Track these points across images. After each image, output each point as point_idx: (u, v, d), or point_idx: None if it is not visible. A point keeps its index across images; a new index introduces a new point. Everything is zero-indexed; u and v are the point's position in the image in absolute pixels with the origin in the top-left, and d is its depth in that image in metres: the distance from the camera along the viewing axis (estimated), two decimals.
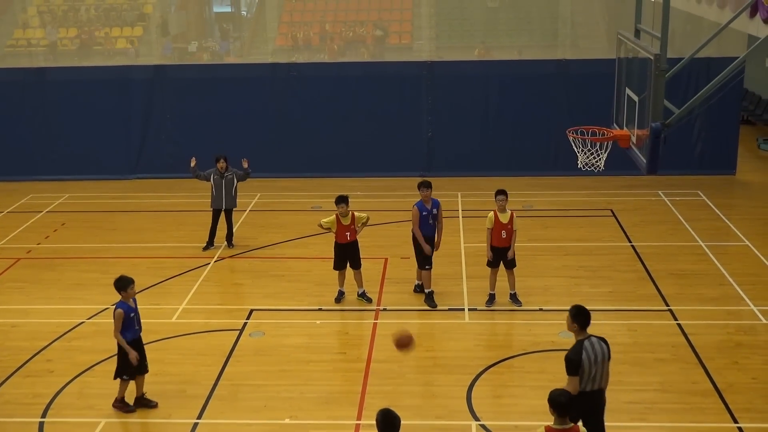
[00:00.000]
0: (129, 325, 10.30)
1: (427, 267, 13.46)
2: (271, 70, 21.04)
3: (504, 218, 13.00)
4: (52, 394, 11.07)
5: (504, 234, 13.02)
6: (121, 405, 10.55)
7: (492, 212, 13.11)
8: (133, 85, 20.81)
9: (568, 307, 13.17)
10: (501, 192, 13.05)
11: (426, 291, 13.56)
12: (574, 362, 8.51)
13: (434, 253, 13.49)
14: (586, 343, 8.64)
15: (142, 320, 10.57)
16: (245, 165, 15.98)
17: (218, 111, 20.70)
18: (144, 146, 21.13)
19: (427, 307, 13.40)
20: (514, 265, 13.27)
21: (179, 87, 20.80)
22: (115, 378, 10.48)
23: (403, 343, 9.67)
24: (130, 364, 10.39)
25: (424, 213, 13.24)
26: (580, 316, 8.73)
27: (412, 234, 13.38)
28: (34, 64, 21.81)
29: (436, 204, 13.35)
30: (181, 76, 21.01)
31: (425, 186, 13.27)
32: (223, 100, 20.69)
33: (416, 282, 13.86)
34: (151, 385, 10.78)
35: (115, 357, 11.01)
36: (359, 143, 20.69)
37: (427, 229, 13.31)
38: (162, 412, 10.60)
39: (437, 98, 20.48)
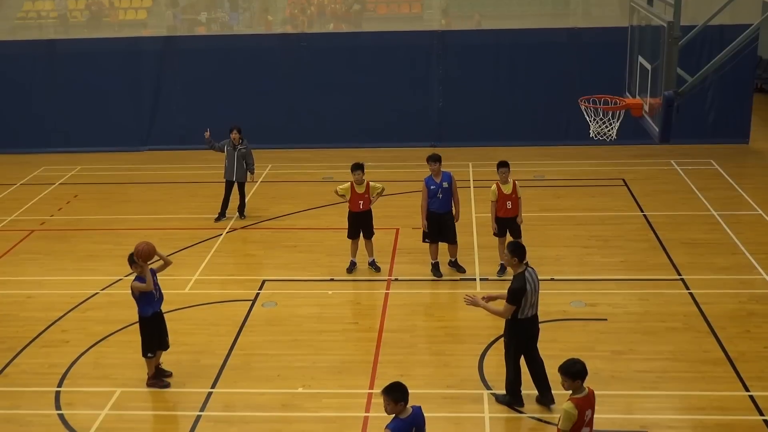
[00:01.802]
0: (149, 299, 10.33)
1: (427, 241, 13.41)
2: (281, 40, 20.96)
3: (507, 189, 13.00)
4: (67, 364, 11.20)
5: (509, 204, 13.02)
6: (154, 381, 10.62)
7: (494, 184, 13.07)
8: (144, 56, 20.79)
9: (580, 277, 13.31)
10: (503, 164, 13.03)
11: (431, 262, 13.57)
12: (519, 292, 9.36)
13: (455, 229, 13.42)
14: (526, 273, 9.48)
15: None
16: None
17: (228, 82, 20.67)
18: (155, 118, 21.16)
19: (439, 278, 13.43)
20: (520, 236, 13.21)
21: (189, 58, 20.77)
22: (143, 356, 10.55)
23: (143, 252, 10.19)
24: (153, 341, 10.46)
25: (432, 187, 13.08)
26: (519, 250, 9.54)
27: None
28: (44, 36, 21.79)
29: (447, 177, 13.13)
30: (191, 47, 20.97)
31: (433, 160, 13.07)
32: (233, 72, 20.64)
33: (449, 259, 13.71)
34: (165, 355, 10.87)
35: (130, 327, 11.16)
36: (370, 114, 20.64)
37: (435, 204, 13.12)
38: (176, 381, 10.71)
39: (448, 68, 20.38)
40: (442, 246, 13.49)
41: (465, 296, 9.64)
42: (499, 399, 10.05)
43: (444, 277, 13.46)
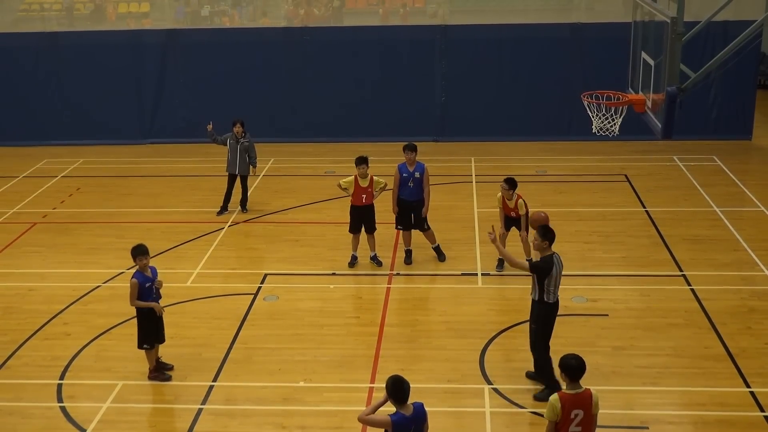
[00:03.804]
0: (146, 294, 10.33)
1: (398, 227, 13.67)
2: (283, 34, 20.95)
3: (510, 204, 12.99)
4: (69, 357, 11.22)
5: (513, 214, 13.05)
6: (156, 374, 10.63)
7: (500, 193, 13.06)
8: (146, 49, 20.78)
9: (581, 273, 13.31)
10: (507, 181, 12.95)
11: (405, 249, 13.81)
12: (545, 270, 9.61)
13: (427, 217, 13.58)
14: (555, 257, 9.70)
15: None
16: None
17: (231, 76, 20.66)
18: (157, 111, 21.16)
19: (442, 273, 13.47)
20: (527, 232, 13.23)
21: (192, 51, 20.75)
22: (138, 348, 10.58)
23: (540, 219, 10.86)
24: (149, 334, 10.48)
25: (404, 174, 13.36)
26: (550, 234, 9.76)
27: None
28: (48, 28, 21.78)
29: (419, 168, 13.39)
30: (194, 40, 20.96)
31: (409, 149, 13.38)
32: (236, 65, 20.64)
33: (432, 246, 13.88)
34: (166, 349, 10.90)
35: (132, 320, 11.14)
36: (372, 108, 20.63)
37: (406, 192, 13.40)
38: (178, 374, 10.72)
39: (451, 62, 20.36)
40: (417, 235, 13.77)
41: (489, 233, 9.79)
42: (537, 397, 9.99)
43: (445, 272, 13.48)
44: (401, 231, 13.77)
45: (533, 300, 9.91)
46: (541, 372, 10.06)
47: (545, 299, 9.73)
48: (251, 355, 11.21)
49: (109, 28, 22.10)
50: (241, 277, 13.58)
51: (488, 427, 9.59)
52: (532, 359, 10.18)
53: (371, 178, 13.44)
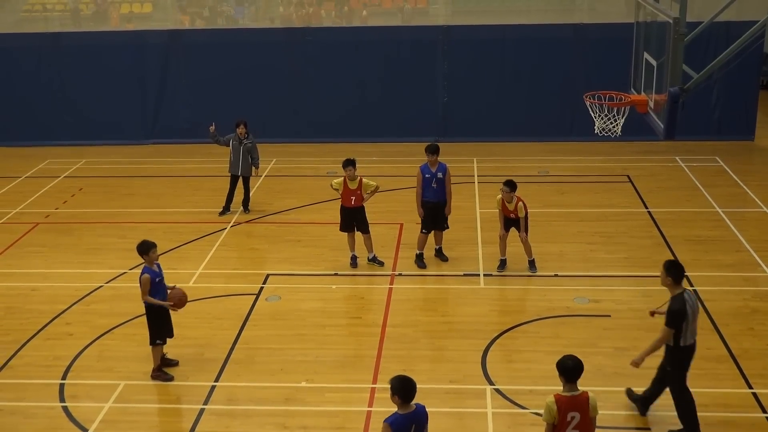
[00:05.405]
0: (158, 289, 10.36)
1: (423, 231, 13.59)
2: (286, 34, 20.96)
3: (510, 206, 12.95)
4: (71, 357, 11.23)
5: (512, 215, 13.03)
6: (159, 373, 10.62)
7: (500, 195, 13.04)
8: (149, 50, 20.80)
9: (583, 273, 13.28)
10: (507, 183, 12.89)
11: (417, 252, 13.70)
12: (680, 315, 8.70)
13: (447, 218, 13.58)
14: (686, 295, 8.82)
15: None
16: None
17: (233, 76, 20.67)
18: (160, 111, 21.17)
19: (444, 273, 13.46)
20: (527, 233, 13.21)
21: (194, 52, 20.77)
22: (151, 344, 10.57)
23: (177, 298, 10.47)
24: (162, 328, 10.50)
25: (427, 176, 13.31)
26: (673, 269, 8.87)
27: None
28: (50, 29, 21.81)
29: (442, 168, 13.33)
30: (196, 40, 20.98)
31: (431, 151, 13.30)
32: (238, 66, 20.64)
33: (435, 247, 13.88)
34: (169, 348, 10.89)
35: (134, 321, 11.18)
36: (374, 108, 20.64)
37: (429, 194, 13.35)
38: (180, 374, 10.73)
39: (453, 63, 20.36)
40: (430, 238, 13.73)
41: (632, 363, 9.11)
42: None
43: (447, 273, 13.48)
44: (424, 234, 13.63)
45: (667, 345, 9.02)
46: (686, 416, 9.21)
47: (680, 344, 8.84)
48: (253, 356, 11.21)
49: (111, 29, 22.13)
50: (243, 278, 13.58)
51: (490, 427, 9.58)
52: (536, 362, 10.09)
53: (360, 180, 13.38)
